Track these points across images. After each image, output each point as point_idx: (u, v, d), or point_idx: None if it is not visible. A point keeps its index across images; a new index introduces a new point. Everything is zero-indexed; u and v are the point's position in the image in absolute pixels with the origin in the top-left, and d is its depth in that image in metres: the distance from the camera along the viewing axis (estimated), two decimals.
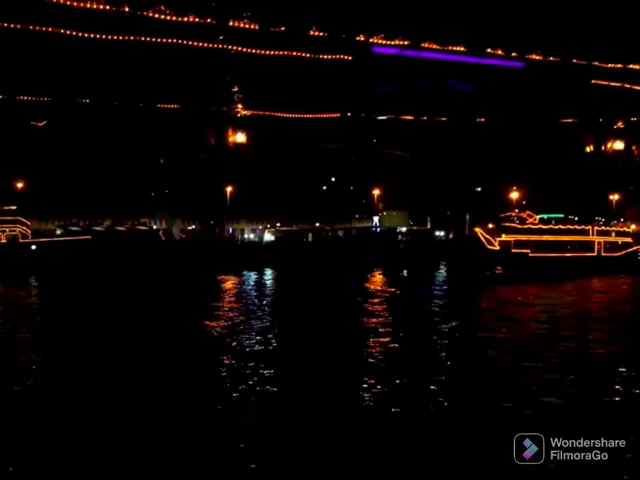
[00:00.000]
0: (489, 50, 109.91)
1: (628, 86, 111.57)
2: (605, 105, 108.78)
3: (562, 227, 48.89)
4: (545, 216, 52.12)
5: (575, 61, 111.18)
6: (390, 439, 11.12)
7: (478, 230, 45.73)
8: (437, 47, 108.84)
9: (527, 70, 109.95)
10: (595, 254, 49.77)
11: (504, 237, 45.26)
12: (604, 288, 40.48)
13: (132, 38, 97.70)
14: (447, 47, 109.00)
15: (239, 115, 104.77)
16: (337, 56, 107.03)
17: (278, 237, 68.89)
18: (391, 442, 10.92)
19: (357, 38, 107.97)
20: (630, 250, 51.92)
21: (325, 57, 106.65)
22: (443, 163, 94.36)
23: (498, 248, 44.77)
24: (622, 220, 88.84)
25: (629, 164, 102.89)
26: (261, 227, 73.40)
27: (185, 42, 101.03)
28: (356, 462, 10.40)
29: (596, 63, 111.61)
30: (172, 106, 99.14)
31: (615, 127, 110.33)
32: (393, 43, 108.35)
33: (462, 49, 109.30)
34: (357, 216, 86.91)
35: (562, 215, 54.46)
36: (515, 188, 72.29)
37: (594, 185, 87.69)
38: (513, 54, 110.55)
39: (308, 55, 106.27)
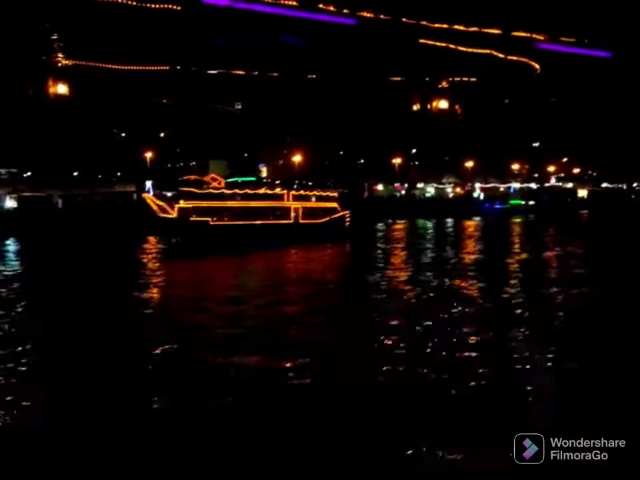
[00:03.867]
0: (320, 5, 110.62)
1: (453, 46, 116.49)
2: (431, 65, 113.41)
3: (249, 191, 43.17)
4: (240, 179, 47.45)
5: (404, 19, 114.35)
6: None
7: (146, 196, 40.02)
8: (269, 0, 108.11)
9: (358, 27, 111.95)
10: (292, 221, 44.67)
11: (182, 204, 39.43)
12: (298, 259, 36.27)
13: None
14: (279, 1, 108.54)
15: (59, 64, 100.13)
16: (165, 5, 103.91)
17: (22, 203, 62.59)
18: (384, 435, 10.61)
19: None
20: (335, 216, 47.32)
21: (152, 6, 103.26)
22: (269, 119, 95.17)
23: (175, 216, 39.21)
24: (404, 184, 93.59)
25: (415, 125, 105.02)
26: (2, 192, 64.94)
27: None
28: None
29: (424, 23, 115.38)
30: None
31: (440, 86, 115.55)
32: None
33: (294, 3, 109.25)
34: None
35: (254, 178, 49.32)
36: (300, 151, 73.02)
37: (383, 149, 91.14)
38: (345, 10, 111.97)
39: (133, 3, 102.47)
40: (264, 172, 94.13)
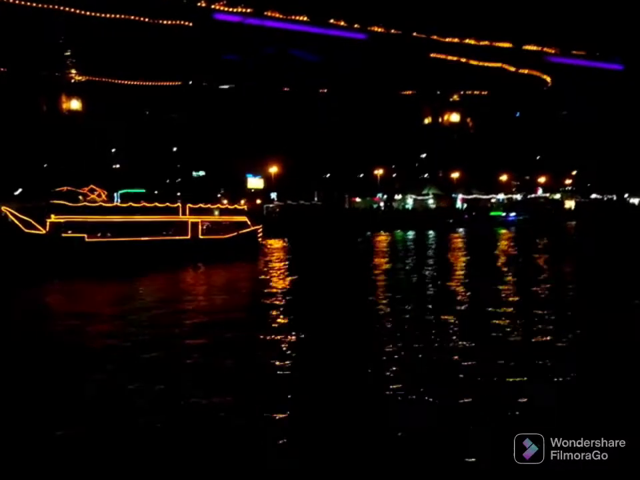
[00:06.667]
0: (331, 21, 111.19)
1: (464, 60, 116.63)
2: (442, 78, 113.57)
3: (134, 204, 38.67)
4: (132, 191, 43.82)
5: (414, 34, 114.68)
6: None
7: (6, 209, 34.87)
8: (279, 15, 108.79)
9: (369, 42, 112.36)
10: (189, 237, 40.02)
11: (54, 218, 35.19)
12: (188, 283, 32.03)
13: None
14: (289, 16, 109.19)
15: (72, 80, 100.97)
16: (177, 22, 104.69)
17: None
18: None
19: (198, 4, 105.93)
20: (244, 231, 42.88)
21: (165, 22, 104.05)
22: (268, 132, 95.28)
23: (45, 232, 34.86)
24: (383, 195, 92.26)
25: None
26: None
27: (13, 0, 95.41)
28: None
29: (434, 37, 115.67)
30: None
31: (451, 99, 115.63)
32: (235, 10, 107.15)
33: (305, 18, 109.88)
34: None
35: (143, 190, 45.18)
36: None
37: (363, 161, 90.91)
38: (355, 25, 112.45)
39: (147, 20, 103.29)
40: (253, 183, 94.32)
